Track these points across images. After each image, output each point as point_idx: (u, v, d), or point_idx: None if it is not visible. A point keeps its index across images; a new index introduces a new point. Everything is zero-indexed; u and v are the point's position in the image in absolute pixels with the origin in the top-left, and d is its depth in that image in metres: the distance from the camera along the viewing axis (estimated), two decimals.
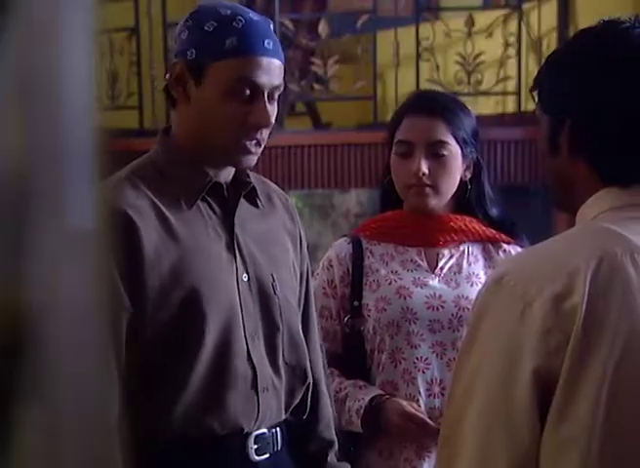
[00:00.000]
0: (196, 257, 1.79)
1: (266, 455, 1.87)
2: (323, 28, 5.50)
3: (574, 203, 1.47)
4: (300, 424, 1.98)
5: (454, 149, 2.19)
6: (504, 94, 5.21)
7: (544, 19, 5.06)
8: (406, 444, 2.17)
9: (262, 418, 1.86)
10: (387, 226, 2.28)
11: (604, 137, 1.39)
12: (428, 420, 2.12)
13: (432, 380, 2.17)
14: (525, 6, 5.23)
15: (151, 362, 1.77)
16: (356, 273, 2.25)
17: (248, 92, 1.76)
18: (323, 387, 2.03)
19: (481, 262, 2.25)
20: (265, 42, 1.77)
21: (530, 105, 5.15)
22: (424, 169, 2.17)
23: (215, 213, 1.84)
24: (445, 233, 2.25)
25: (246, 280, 1.85)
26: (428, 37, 5.25)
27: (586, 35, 1.50)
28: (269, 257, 1.90)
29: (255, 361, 1.84)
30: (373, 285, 2.23)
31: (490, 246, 2.27)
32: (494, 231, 2.27)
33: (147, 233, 1.74)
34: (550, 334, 1.28)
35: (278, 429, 1.90)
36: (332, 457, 2.05)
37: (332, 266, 2.26)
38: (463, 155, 2.21)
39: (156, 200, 1.78)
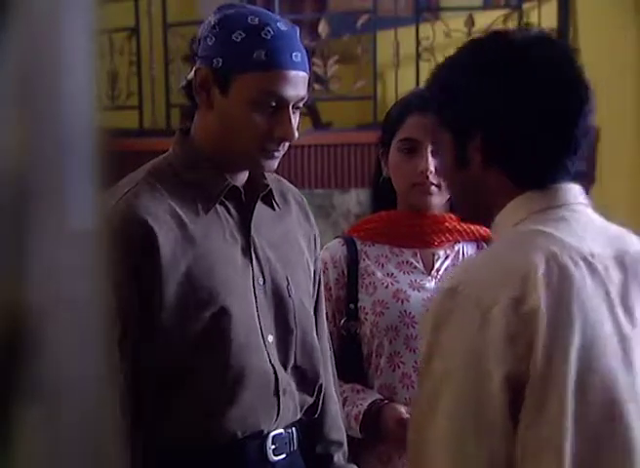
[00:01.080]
0: (213, 262, 1.80)
1: (283, 455, 1.88)
2: (323, 28, 5.50)
3: (487, 212, 1.49)
4: (311, 425, 1.98)
5: None
6: None
7: (544, 19, 5.05)
8: (404, 449, 2.16)
9: (281, 419, 1.87)
10: (382, 227, 2.26)
11: (516, 144, 1.42)
12: None
13: None
14: (525, 6, 5.23)
15: (170, 366, 1.78)
16: (351, 275, 2.23)
17: (274, 104, 1.76)
18: (331, 389, 2.03)
19: None
20: (293, 55, 1.77)
21: None
22: (432, 167, 2.15)
23: (232, 216, 1.84)
24: (440, 233, 2.23)
25: (262, 283, 1.86)
26: (428, 37, 5.24)
27: (475, 47, 1.51)
28: (285, 261, 1.90)
29: (274, 363, 1.85)
30: (369, 288, 2.21)
31: (484, 245, 2.25)
32: (488, 230, 2.26)
33: (165, 239, 1.75)
34: (516, 340, 1.31)
35: (294, 429, 1.91)
36: (339, 458, 2.05)
37: (326, 269, 2.23)
38: None
39: (174, 204, 1.79)
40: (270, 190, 1.90)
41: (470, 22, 5.14)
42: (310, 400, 1.94)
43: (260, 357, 1.82)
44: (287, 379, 1.87)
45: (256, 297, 1.84)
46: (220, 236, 1.82)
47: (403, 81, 5.11)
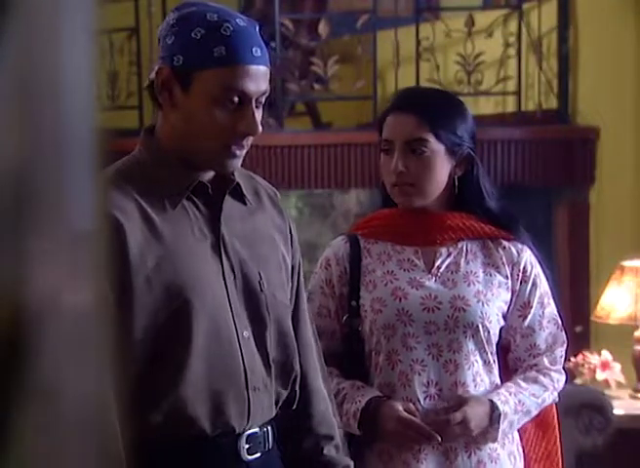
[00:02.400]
0: (182, 257, 1.80)
1: (258, 454, 1.87)
2: (323, 28, 5.50)
3: None
4: (289, 418, 1.97)
5: (434, 146, 2.16)
6: (504, 94, 5.21)
7: (544, 19, 5.05)
8: (403, 446, 2.17)
9: (254, 417, 1.86)
10: (384, 224, 2.27)
11: None
12: (423, 425, 2.11)
13: (429, 382, 2.15)
14: (525, 6, 5.22)
15: (140, 364, 1.77)
16: (354, 272, 2.24)
17: (236, 99, 1.77)
18: (318, 383, 2.02)
19: (480, 260, 2.23)
20: (253, 50, 1.77)
21: (530, 105, 5.15)
22: (400, 167, 2.16)
23: (200, 212, 1.85)
24: (442, 231, 2.23)
25: (232, 279, 1.86)
26: (428, 37, 5.24)
27: None
28: (256, 256, 1.90)
29: (246, 360, 1.85)
30: (369, 285, 2.22)
31: (490, 243, 2.25)
32: (493, 228, 2.24)
33: (133, 234, 1.75)
34: None
35: (269, 427, 1.90)
36: (329, 450, 2.03)
37: (330, 265, 2.26)
38: (450, 152, 2.18)
39: (141, 201, 1.79)
40: (238, 185, 1.90)
41: (470, 22, 5.14)
42: (285, 393, 1.94)
43: (230, 354, 1.82)
44: (261, 376, 1.87)
45: (228, 293, 1.84)
46: (189, 232, 1.82)
47: (403, 81, 5.10)
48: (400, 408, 2.11)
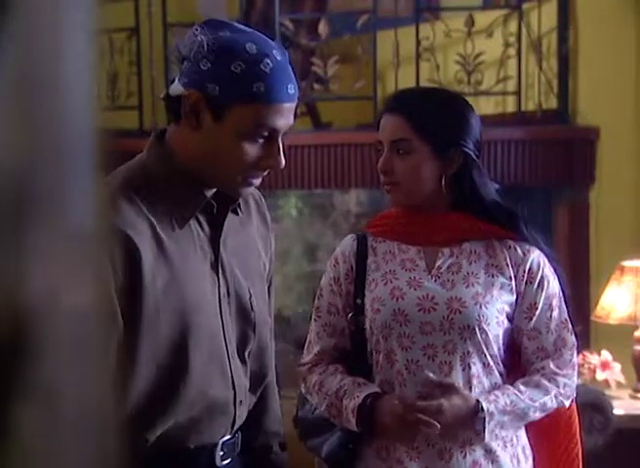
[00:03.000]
0: (185, 281, 1.81)
1: (229, 460, 1.93)
2: (323, 28, 5.49)
3: None
4: (250, 417, 2.02)
5: (418, 146, 2.16)
6: (504, 94, 5.21)
7: (544, 19, 5.05)
8: (401, 443, 2.16)
9: (235, 428, 1.93)
10: (392, 223, 2.28)
11: None
12: (419, 416, 2.07)
13: (423, 383, 2.15)
14: (525, 6, 5.22)
15: (138, 382, 1.78)
16: (359, 271, 2.25)
17: (266, 134, 1.79)
18: (272, 379, 2.09)
19: (483, 261, 2.21)
20: (289, 87, 1.79)
21: (530, 105, 5.15)
22: (384, 167, 2.19)
23: (203, 230, 1.86)
24: (443, 231, 2.23)
25: (226, 299, 1.89)
26: (428, 37, 5.24)
27: None
28: (245, 270, 1.94)
29: (235, 378, 1.90)
30: (372, 284, 2.23)
31: (495, 243, 2.23)
32: (497, 227, 2.23)
33: (145, 254, 1.75)
34: None
35: (240, 433, 1.96)
36: (276, 447, 2.12)
37: (337, 263, 2.28)
38: (437, 151, 2.17)
39: (151, 217, 1.79)
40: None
41: (470, 22, 5.14)
42: (254, 399, 2.01)
43: (221, 375, 1.87)
44: (244, 390, 1.93)
45: (221, 311, 1.87)
46: (192, 251, 1.84)
47: (403, 81, 5.10)
48: (396, 401, 2.11)
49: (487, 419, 2.10)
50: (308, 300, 5.64)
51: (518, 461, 2.22)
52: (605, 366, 4.30)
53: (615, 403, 4.10)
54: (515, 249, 2.22)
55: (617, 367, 4.30)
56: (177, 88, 1.81)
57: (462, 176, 2.21)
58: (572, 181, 4.91)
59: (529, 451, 2.26)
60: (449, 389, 2.10)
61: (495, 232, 2.23)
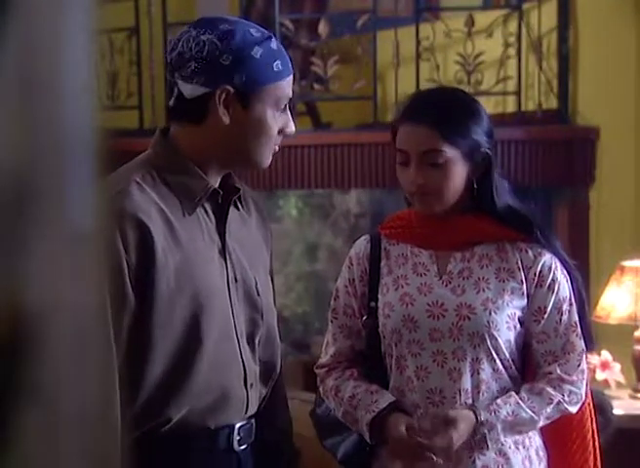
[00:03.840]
0: (196, 263, 1.89)
1: (245, 445, 1.99)
2: (323, 28, 5.49)
3: None
4: (261, 413, 2.06)
5: (450, 155, 2.12)
6: (504, 94, 5.21)
7: (544, 19, 5.05)
8: (402, 463, 2.17)
9: (249, 412, 1.98)
10: (404, 226, 2.25)
11: None
12: (420, 440, 2.09)
13: (432, 389, 2.14)
14: (525, 6, 5.21)
15: (152, 363, 1.85)
16: (373, 273, 2.24)
17: (285, 105, 1.92)
18: (282, 380, 2.15)
19: (495, 265, 2.18)
20: (289, 59, 1.93)
21: (530, 105, 5.15)
22: (419, 180, 2.13)
23: (209, 218, 1.94)
24: (455, 235, 2.20)
25: (235, 284, 1.96)
26: (428, 37, 5.24)
27: None
28: (251, 261, 2.01)
29: (245, 359, 1.96)
30: (384, 288, 2.22)
31: (507, 245, 2.20)
32: (509, 230, 2.20)
33: (158, 237, 1.83)
34: None
35: (254, 420, 2.01)
36: (285, 446, 2.17)
37: (352, 265, 2.27)
38: (466, 156, 2.14)
39: (161, 204, 1.87)
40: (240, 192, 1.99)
41: (470, 22, 5.14)
42: (265, 392, 2.05)
43: (233, 355, 1.93)
44: (254, 373, 1.99)
45: (230, 296, 1.94)
46: (201, 238, 1.91)
47: (403, 81, 5.11)
48: (403, 421, 2.11)
49: (485, 429, 2.10)
50: (308, 301, 5.64)
51: (530, 463, 2.20)
52: (605, 366, 4.30)
53: (615, 403, 4.10)
54: (527, 251, 2.19)
55: (616, 367, 4.30)
56: (195, 89, 1.84)
57: (485, 178, 2.18)
58: (572, 181, 4.91)
59: (543, 453, 2.24)
60: (452, 422, 2.10)
61: (507, 234, 2.20)
